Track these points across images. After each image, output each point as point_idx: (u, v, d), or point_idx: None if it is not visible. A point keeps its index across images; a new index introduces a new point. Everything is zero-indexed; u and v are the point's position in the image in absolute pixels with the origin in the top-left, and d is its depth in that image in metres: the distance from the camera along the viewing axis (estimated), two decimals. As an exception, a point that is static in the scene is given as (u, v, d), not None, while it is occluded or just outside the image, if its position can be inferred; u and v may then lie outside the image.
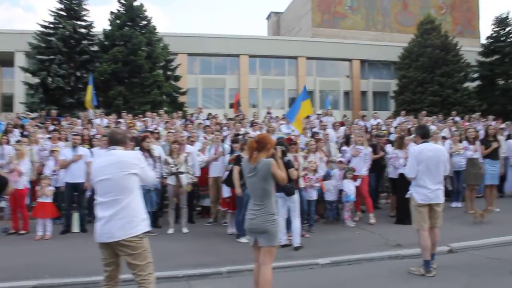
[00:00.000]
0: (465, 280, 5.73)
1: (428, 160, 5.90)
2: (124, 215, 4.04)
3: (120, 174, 4.08)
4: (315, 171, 8.72)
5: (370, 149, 9.63)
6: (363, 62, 39.63)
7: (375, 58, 39.45)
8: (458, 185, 10.66)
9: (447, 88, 31.10)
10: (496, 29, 35.98)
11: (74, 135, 9.75)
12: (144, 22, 26.97)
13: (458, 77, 32.42)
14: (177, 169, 8.80)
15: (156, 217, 9.42)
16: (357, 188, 9.26)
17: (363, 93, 39.36)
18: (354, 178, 9.23)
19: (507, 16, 35.83)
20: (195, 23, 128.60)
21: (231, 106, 29.80)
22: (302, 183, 8.08)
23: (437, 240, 6.15)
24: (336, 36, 40.99)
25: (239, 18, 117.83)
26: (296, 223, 7.30)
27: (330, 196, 9.25)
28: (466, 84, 33.36)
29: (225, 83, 36.57)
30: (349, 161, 9.68)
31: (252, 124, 14.31)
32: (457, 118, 18.52)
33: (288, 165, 6.86)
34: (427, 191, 5.90)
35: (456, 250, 7.10)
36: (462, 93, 31.90)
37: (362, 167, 9.37)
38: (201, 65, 36.88)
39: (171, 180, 8.89)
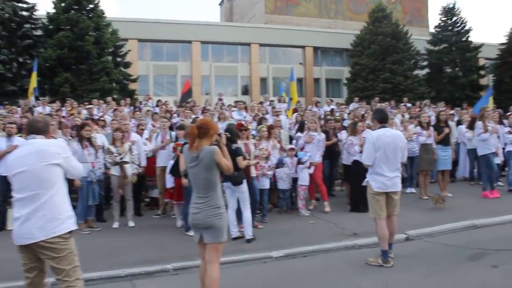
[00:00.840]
0: (423, 269, 5.52)
1: (386, 146, 5.62)
2: (45, 213, 3.49)
3: (39, 165, 3.52)
4: (267, 158, 8.33)
5: (323, 136, 9.32)
6: (316, 49, 39.60)
7: (328, 46, 39.53)
8: (412, 171, 10.57)
9: (398, 76, 31.63)
10: (443, 18, 36.90)
11: (9, 123, 8.91)
12: (91, 6, 25.67)
13: (409, 65, 33.03)
14: (121, 158, 8.20)
15: (100, 211, 8.84)
16: (311, 175, 8.96)
17: (316, 80, 39.39)
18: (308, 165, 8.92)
19: (454, 6, 36.79)
20: (146, 9, 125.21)
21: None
22: (253, 172, 7.67)
23: (395, 229, 5.91)
24: (289, 23, 40.79)
25: (192, 4, 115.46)
26: (247, 214, 6.90)
27: (283, 185, 8.89)
28: (416, 72, 34.07)
29: (177, 70, 35.60)
30: (302, 148, 9.35)
31: (203, 111, 13.77)
32: (409, 105, 18.66)
33: (236, 153, 6.47)
34: (385, 178, 5.63)
35: (413, 237, 6.92)
36: (413, 80, 32.51)
37: (316, 154, 9.06)
38: (152, 52, 35.73)
39: (115, 171, 8.28)
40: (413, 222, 7.56)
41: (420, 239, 6.89)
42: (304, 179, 8.77)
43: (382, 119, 5.80)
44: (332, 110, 14.88)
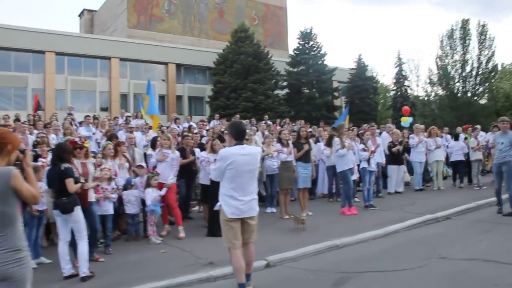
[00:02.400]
0: (284, 302, 4.91)
1: (241, 166, 4.86)
2: None
3: None
4: (110, 179, 7.19)
5: (177, 154, 8.41)
6: (179, 66, 39.01)
7: (191, 63, 39.25)
8: (272, 189, 10.18)
9: (259, 95, 32.33)
10: (301, 42, 38.92)
11: None
12: None
13: (269, 84, 34.01)
14: None
15: None
16: (164, 197, 8.01)
17: (179, 98, 38.72)
18: (160, 186, 7.95)
19: (311, 32, 39.03)
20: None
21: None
22: (92, 196, 6.49)
23: (253, 258, 5.22)
24: (152, 38, 39.78)
25: (50, 13, 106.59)
26: (82, 246, 5.71)
27: (131, 209, 7.79)
28: (276, 92, 35.22)
29: (27, 82, 32.18)
30: (154, 167, 8.37)
31: (46, 125, 12.08)
32: (269, 122, 18.84)
33: (65, 174, 5.31)
34: (239, 202, 4.86)
35: (274, 263, 6.30)
36: (273, 99, 33.53)
37: (169, 174, 8.14)
38: (-2, 60, 31.83)
39: None
40: (273, 245, 6.99)
41: (281, 265, 6.30)
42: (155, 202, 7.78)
43: (238, 135, 5.04)
44: (190, 127, 14.11)
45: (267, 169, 9.97)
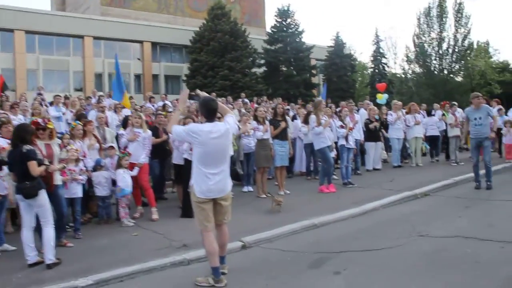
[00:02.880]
0: (262, 284, 4.71)
1: (213, 145, 4.59)
2: None
3: None
4: (77, 161, 6.86)
5: (149, 133, 8.07)
6: (154, 44, 38.26)
7: (167, 41, 38.52)
8: (249, 168, 9.95)
9: (237, 73, 31.96)
10: (279, 20, 38.44)
11: None
12: None
13: (247, 63, 33.58)
14: None
15: None
16: (136, 178, 7.71)
17: (155, 77, 38.05)
18: (131, 167, 7.64)
19: (288, 9, 38.55)
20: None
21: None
22: (58, 179, 6.15)
23: (226, 240, 5.00)
24: (127, 16, 38.68)
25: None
26: (47, 232, 5.38)
27: (102, 191, 7.46)
28: (254, 70, 34.81)
29: (-4, 62, 31.02)
30: (126, 147, 8.04)
31: (12, 106, 11.54)
32: (246, 100, 18.56)
33: (27, 157, 4.98)
34: (210, 182, 4.61)
35: (250, 245, 6.10)
36: (250, 78, 33.15)
37: (141, 154, 7.83)
38: (-38, 39, 30.65)
39: None
40: (250, 226, 6.80)
41: (258, 246, 6.11)
42: (125, 184, 7.47)
43: (208, 113, 4.72)
44: (164, 105, 13.71)
45: (243, 148, 9.72)
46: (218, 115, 4.97)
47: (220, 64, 32.10)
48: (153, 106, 14.49)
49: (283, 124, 9.43)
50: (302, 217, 7.20)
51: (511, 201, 8.15)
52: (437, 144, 14.07)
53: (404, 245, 5.69)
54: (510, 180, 10.55)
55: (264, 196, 9.10)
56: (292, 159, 11.14)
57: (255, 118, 9.48)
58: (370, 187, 9.91)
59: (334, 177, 10.71)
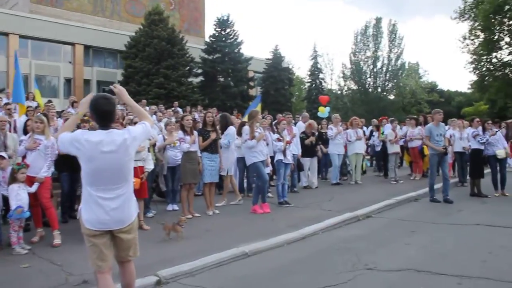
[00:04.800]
0: None
1: (104, 160, 3.40)
2: None
3: None
4: None
5: (52, 140, 6.70)
6: (87, 48, 36.15)
7: (101, 45, 36.67)
8: (174, 184, 8.78)
9: (172, 81, 30.84)
10: (218, 29, 37.75)
11: None
12: None
13: (183, 71, 32.57)
14: None
15: None
16: (35, 195, 6.38)
17: (86, 82, 35.94)
18: (29, 182, 6.30)
19: (228, 19, 37.94)
20: None
21: None
22: None
23: (132, 281, 3.81)
24: (59, 16, 36.38)
25: None
26: None
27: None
28: (190, 79, 33.82)
29: None
30: (24, 157, 6.68)
31: None
32: (179, 109, 17.59)
33: None
34: (102, 210, 3.43)
35: (167, 280, 4.93)
36: (187, 87, 32.11)
37: (42, 166, 6.50)
38: None
39: None
40: (169, 254, 5.66)
41: (176, 282, 4.96)
42: (21, 202, 6.11)
43: (99, 117, 3.54)
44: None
45: (168, 161, 8.56)
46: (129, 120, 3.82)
47: (155, 72, 30.81)
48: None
49: (213, 135, 8.37)
50: (232, 243, 6.14)
51: (456, 224, 7.56)
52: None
53: (349, 282, 4.76)
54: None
55: (190, 216, 7.98)
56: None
57: (182, 127, 8.32)
58: (308, 207, 9.03)
59: (269, 195, 9.79)
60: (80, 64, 35.69)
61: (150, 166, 7.59)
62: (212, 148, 8.44)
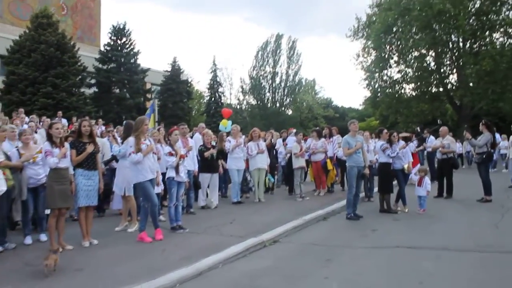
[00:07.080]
0: None
1: None
2: None
3: None
4: None
5: None
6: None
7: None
8: (39, 209, 7.04)
9: (62, 91, 28.17)
10: (113, 38, 35.75)
11: None
12: None
13: (74, 81, 29.94)
14: None
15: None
16: None
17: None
18: None
19: (124, 27, 36.08)
20: None
21: None
22: None
23: None
24: None
25: None
26: None
27: None
28: (82, 89, 31.32)
29: None
30: None
31: None
32: (64, 120, 15.70)
33: None
34: None
35: None
36: (78, 97, 29.54)
37: None
38: None
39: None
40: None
41: None
42: None
43: None
44: None
45: (27, 181, 6.86)
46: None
47: (42, 80, 27.82)
48: None
49: (89, 148, 6.81)
50: (115, 284, 4.74)
51: (374, 248, 6.74)
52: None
53: None
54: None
55: (61, 249, 6.36)
56: (107, 195, 8.57)
57: (49, 138, 6.68)
58: (206, 232, 7.73)
59: (161, 218, 8.40)
60: (-49, 69, 31.56)
61: (3, 188, 5.92)
62: (89, 163, 6.89)
